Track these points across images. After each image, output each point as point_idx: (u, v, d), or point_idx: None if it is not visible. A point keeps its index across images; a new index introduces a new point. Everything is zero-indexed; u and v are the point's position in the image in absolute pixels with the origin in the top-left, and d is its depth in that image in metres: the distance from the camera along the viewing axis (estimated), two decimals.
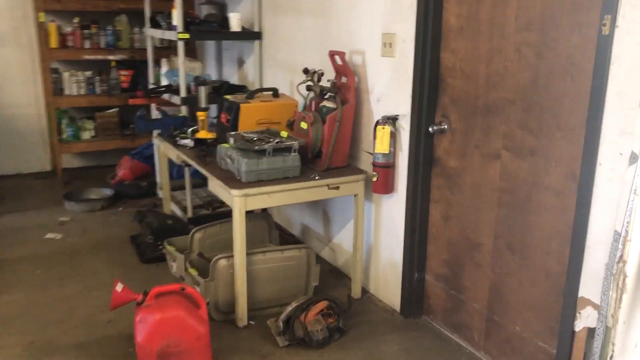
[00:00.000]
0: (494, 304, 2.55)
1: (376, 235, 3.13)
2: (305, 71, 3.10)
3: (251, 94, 3.38)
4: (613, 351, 2.00)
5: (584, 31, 2.01)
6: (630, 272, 1.92)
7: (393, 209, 2.97)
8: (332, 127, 2.95)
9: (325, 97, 3.06)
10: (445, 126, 2.67)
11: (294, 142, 2.85)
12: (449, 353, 2.70)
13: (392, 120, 2.83)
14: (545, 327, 2.31)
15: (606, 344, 2.00)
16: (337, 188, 2.93)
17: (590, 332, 2.07)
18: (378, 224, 3.10)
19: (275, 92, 3.47)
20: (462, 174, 2.62)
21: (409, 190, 2.84)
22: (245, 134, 3.02)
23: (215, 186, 2.92)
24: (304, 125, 3.03)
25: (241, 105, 3.23)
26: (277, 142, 2.87)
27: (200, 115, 3.48)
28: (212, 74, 4.95)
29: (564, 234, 2.18)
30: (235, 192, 2.68)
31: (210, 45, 5.01)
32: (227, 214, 4.12)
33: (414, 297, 2.97)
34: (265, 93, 3.47)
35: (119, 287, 2.35)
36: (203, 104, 3.49)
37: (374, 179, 2.90)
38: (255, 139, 2.94)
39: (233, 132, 3.07)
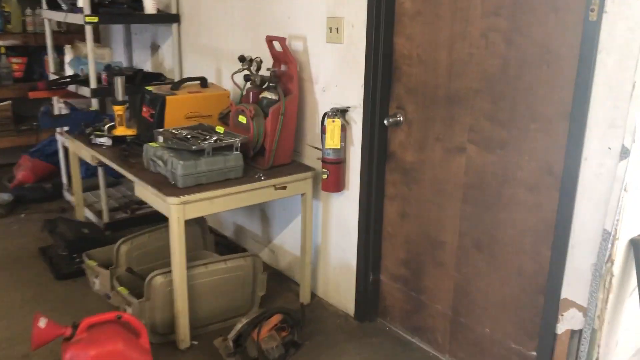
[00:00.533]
0: (459, 305, 2.42)
1: (325, 235, 2.90)
2: (242, 59, 2.79)
3: (176, 85, 3.02)
4: (598, 353, 1.91)
5: (561, 16, 1.88)
6: (616, 272, 1.83)
7: (344, 207, 2.76)
8: (275, 120, 2.67)
9: (265, 87, 2.77)
10: (401, 118, 2.48)
11: (235, 140, 2.55)
12: (412, 359, 2.55)
13: (341, 112, 2.60)
14: (518, 328, 2.20)
15: (592, 346, 1.91)
16: (285, 188, 2.67)
17: (574, 333, 1.98)
18: (327, 224, 2.88)
19: (203, 82, 3.13)
20: (421, 169, 2.45)
21: (362, 187, 2.64)
22: (175, 131, 2.67)
23: (145, 193, 2.56)
24: (242, 119, 2.72)
25: (167, 97, 2.87)
26: (216, 140, 2.55)
27: (118, 109, 3.07)
28: (122, 61, 4.47)
29: (539, 231, 2.06)
30: (172, 200, 2.35)
31: (117, 30, 4.52)
32: (150, 217, 3.76)
33: (369, 300, 2.78)
34: (191, 83, 3.12)
35: (42, 323, 1.96)
36: (120, 97, 3.08)
37: (324, 176, 2.66)
38: (188, 136, 2.61)
39: (161, 129, 2.71)
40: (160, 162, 2.51)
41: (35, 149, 4.44)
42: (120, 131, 3.08)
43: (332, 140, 2.59)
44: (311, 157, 2.86)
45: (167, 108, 2.87)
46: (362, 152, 2.60)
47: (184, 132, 2.66)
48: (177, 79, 3.74)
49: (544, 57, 1.94)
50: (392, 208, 2.64)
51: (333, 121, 2.58)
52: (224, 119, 3.04)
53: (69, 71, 3.76)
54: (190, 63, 3.73)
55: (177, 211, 2.37)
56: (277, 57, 2.79)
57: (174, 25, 3.70)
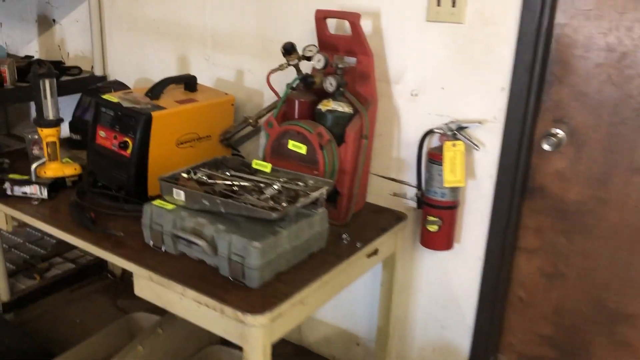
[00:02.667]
0: None
1: (405, 307, 1.99)
2: (289, 49, 1.71)
3: (156, 91, 1.83)
4: None
5: None
6: None
7: (449, 268, 1.87)
8: (356, 147, 1.67)
9: (330, 93, 1.73)
10: (562, 135, 1.65)
11: (322, 190, 1.51)
12: None
13: (457, 130, 1.69)
14: None
15: None
16: (376, 252, 1.70)
17: None
18: (410, 291, 1.97)
19: (190, 83, 1.97)
20: (596, 212, 1.66)
21: (492, 239, 1.77)
22: (193, 175, 1.55)
23: (173, 301, 1.42)
24: (299, 147, 1.67)
25: (153, 114, 1.70)
26: (295, 195, 1.49)
27: (49, 134, 1.81)
28: None
29: None
30: (257, 319, 1.27)
31: None
32: (70, 278, 2.52)
33: None
34: (171, 86, 1.94)
35: None
36: (51, 112, 1.80)
37: (434, 228, 1.75)
38: (232, 187, 1.51)
39: (167, 176, 1.55)
40: (198, 241, 1.39)
41: None
42: (55, 171, 1.83)
43: (454, 174, 1.68)
44: (381, 194, 1.91)
45: (154, 131, 1.70)
46: (496, 188, 1.72)
47: (215, 178, 1.56)
48: (99, 70, 2.47)
49: None
50: (529, 266, 1.82)
51: (454, 145, 1.66)
52: (230, 141, 1.95)
53: None
54: (123, 48, 2.47)
55: (264, 335, 1.30)
56: (334, 45, 1.77)
57: None
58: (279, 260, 1.39)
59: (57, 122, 1.82)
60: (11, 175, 1.78)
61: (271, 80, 1.78)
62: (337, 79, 1.62)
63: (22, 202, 1.76)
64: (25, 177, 1.78)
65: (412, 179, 1.85)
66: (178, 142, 1.81)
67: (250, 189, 1.52)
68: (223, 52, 2.15)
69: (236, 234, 1.35)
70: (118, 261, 1.49)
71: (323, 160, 1.63)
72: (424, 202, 1.76)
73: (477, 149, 1.69)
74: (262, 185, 1.53)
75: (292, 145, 1.68)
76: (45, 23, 2.72)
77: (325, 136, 1.61)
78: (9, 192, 1.77)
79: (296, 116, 1.75)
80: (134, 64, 2.43)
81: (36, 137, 1.96)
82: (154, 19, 2.31)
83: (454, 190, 1.71)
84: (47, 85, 1.77)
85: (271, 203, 1.44)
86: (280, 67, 1.74)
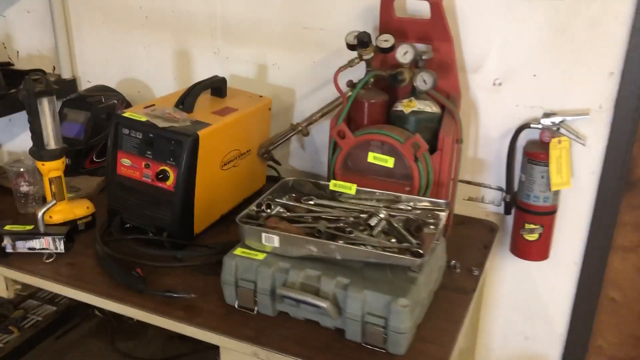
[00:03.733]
0: None
1: (487, 318, 1.78)
2: (365, 40, 1.39)
3: (189, 101, 1.45)
4: None
5: None
6: None
7: (536, 277, 1.66)
8: (452, 155, 1.40)
9: (412, 91, 1.44)
10: None
11: (444, 214, 1.24)
12: None
13: (561, 125, 1.47)
14: None
15: None
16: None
17: None
18: (491, 303, 1.75)
19: (220, 88, 1.59)
20: None
21: (591, 241, 1.58)
22: (279, 207, 1.23)
23: None
24: (381, 159, 1.38)
25: (200, 134, 1.34)
26: (419, 226, 1.20)
27: (53, 168, 1.40)
28: None
29: None
30: None
31: None
32: (54, 323, 2.11)
33: None
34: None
35: None
36: (53, 140, 1.38)
37: (533, 236, 1.53)
38: (341, 225, 1.20)
39: (249, 217, 1.22)
40: (319, 303, 1.07)
41: None
42: (65, 213, 1.42)
43: (561, 176, 1.46)
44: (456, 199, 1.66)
45: (201, 154, 1.35)
46: (600, 185, 1.52)
47: (297, 210, 1.24)
48: (66, 73, 2.03)
49: None
50: (624, 264, 1.65)
51: (559, 142, 1.44)
52: (266, 155, 1.62)
53: None
54: (98, 44, 2.01)
55: None
56: (402, 31, 1.47)
57: None
58: (418, 312, 1.12)
59: (61, 152, 1.40)
60: (8, 227, 1.36)
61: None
62: (433, 75, 1.34)
63: (28, 260, 1.35)
64: (29, 227, 1.36)
65: (493, 180, 1.62)
66: (222, 164, 1.46)
67: (353, 222, 1.22)
68: (238, 44, 1.79)
69: (370, 290, 1.05)
70: (200, 334, 1.15)
71: (418, 174, 1.35)
72: (520, 208, 1.53)
73: (583, 145, 1.47)
74: (363, 215, 1.23)
75: (374, 158, 1.39)
76: None
77: (423, 146, 1.33)
78: (9, 250, 1.35)
79: (366, 121, 1.45)
80: (114, 64, 2.00)
81: (21, 169, 1.53)
82: (140, 6, 1.88)
83: (556, 193, 1.50)
84: (46, 105, 1.35)
85: (393, 241, 1.16)
86: (351, 64, 1.42)
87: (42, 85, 1.32)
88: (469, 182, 1.64)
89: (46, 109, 1.35)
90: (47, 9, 1.99)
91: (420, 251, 1.09)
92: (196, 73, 1.88)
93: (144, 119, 1.36)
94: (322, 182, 1.38)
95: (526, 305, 1.71)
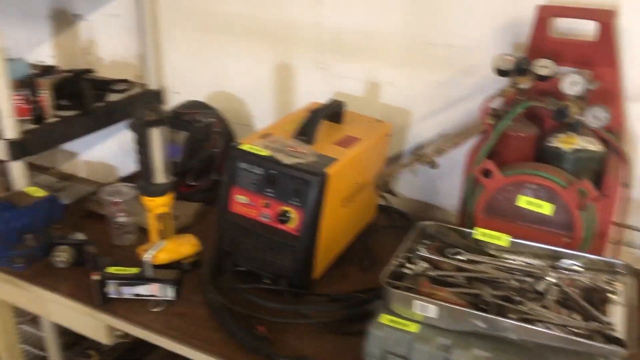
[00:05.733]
0: None
1: None
2: (523, 66, 1.19)
3: (310, 131, 1.28)
4: None
5: None
6: None
7: None
8: (615, 203, 1.20)
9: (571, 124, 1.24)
10: None
11: (629, 280, 1.05)
12: None
13: None
14: None
15: None
16: None
17: None
18: None
19: (338, 113, 1.42)
20: None
21: None
22: (426, 268, 1.05)
23: None
24: (536, 205, 1.19)
25: (328, 172, 1.17)
26: (586, 291, 1.02)
27: (161, 204, 1.25)
28: None
29: None
30: None
31: None
32: (130, 351, 1.99)
33: None
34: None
35: None
36: (161, 173, 1.23)
37: None
38: (512, 294, 1.02)
39: (397, 277, 1.04)
40: None
41: None
42: (171, 253, 1.28)
43: None
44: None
45: (328, 193, 1.18)
46: None
47: (442, 266, 1.07)
48: (152, 82, 1.89)
49: None
50: None
51: None
52: (383, 187, 1.45)
53: None
54: (187, 53, 1.87)
55: None
56: (556, 54, 1.26)
57: None
58: None
59: (170, 187, 1.26)
60: (113, 270, 1.22)
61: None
62: (606, 111, 1.14)
63: (133, 307, 1.21)
64: (134, 271, 1.22)
65: None
66: (344, 201, 1.29)
67: (519, 287, 1.03)
68: (348, 59, 1.61)
69: None
70: None
71: (581, 225, 1.16)
72: None
73: None
74: (527, 277, 1.05)
75: (527, 202, 1.20)
76: (62, 19, 2.06)
77: (592, 193, 1.13)
78: (113, 295, 1.21)
79: (513, 157, 1.26)
80: (204, 75, 1.85)
81: (118, 199, 1.40)
82: (238, 14, 1.72)
83: None
84: (157, 137, 1.20)
85: (575, 317, 0.97)
86: (503, 94, 1.23)
87: (154, 115, 1.17)
88: (618, 224, 1.44)
89: (157, 140, 1.20)
90: (135, 14, 1.85)
91: (619, 337, 0.90)
92: (298, 89, 1.71)
93: (266, 153, 1.20)
94: (466, 230, 1.19)
95: None
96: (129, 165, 1.94)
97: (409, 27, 1.51)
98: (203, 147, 1.61)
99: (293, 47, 1.68)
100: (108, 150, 2.14)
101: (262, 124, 1.80)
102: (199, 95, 1.84)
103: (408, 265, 1.11)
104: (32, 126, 1.49)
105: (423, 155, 1.41)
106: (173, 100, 1.91)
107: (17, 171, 1.46)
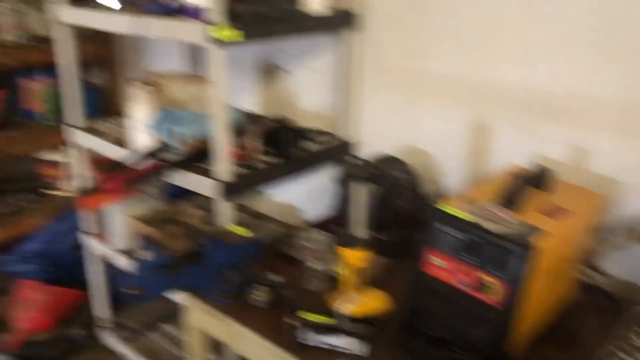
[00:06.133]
0: None
1: None
2: None
3: (516, 198, 1.23)
4: None
5: None
6: None
7: None
8: None
9: None
10: None
11: None
12: None
13: None
14: None
15: None
16: None
17: None
18: None
19: (542, 179, 1.35)
20: None
21: None
22: None
23: None
24: None
25: (540, 245, 1.10)
26: None
27: (360, 258, 1.27)
28: None
29: None
30: None
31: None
32: None
33: None
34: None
35: None
36: (364, 230, 1.26)
37: None
38: None
39: None
40: None
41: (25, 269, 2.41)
42: (362, 307, 1.28)
43: None
44: None
45: (540, 266, 1.11)
46: None
47: None
48: (346, 134, 1.94)
49: None
50: None
51: None
52: (594, 265, 1.32)
53: (146, 135, 1.84)
54: (380, 107, 1.92)
55: None
56: None
57: (345, 33, 1.87)
58: None
59: (370, 241, 1.27)
60: (307, 316, 1.25)
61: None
62: None
63: (321, 355, 1.23)
64: (331, 321, 1.24)
65: None
66: (550, 277, 1.20)
67: None
68: (553, 122, 1.54)
69: None
70: None
71: None
72: None
73: None
74: None
75: None
76: (270, 72, 2.23)
77: None
78: (307, 341, 1.24)
79: None
80: (394, 130, 1.88)
81: (314, 246, 1.44)
82: (436, 72, 1.73)
83: None
84: (363, 192, 1.23)
85: None
86: None
87: (363, 171, 1.20)
88: None
89: (363, 195, 1.23)
90: (340, 71, 1.93)
91: None
92: (494, 151, 1.67)
93: (469, 218, 1.17)
94: None
95: None
96: (314, 210, 2.03)
97: (629, 93, 1.40)
98: (394, 202, 1.62)
99: (491, 107, 1.65)
100: (296, 194, 2.24)
101: (451, 181, 1.78)
102: (389, 148, 1.86)
103: (621, 355, 1.00)
104: (244, 170, 1.61)
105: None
106: (362, 152, 1.96)
107: (226, 210, 1.58)
